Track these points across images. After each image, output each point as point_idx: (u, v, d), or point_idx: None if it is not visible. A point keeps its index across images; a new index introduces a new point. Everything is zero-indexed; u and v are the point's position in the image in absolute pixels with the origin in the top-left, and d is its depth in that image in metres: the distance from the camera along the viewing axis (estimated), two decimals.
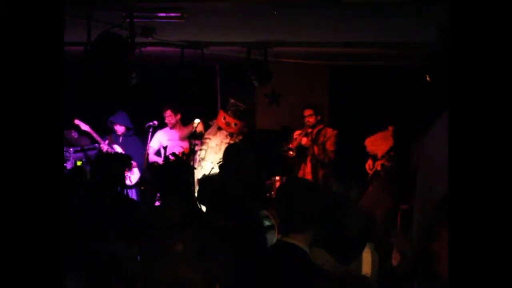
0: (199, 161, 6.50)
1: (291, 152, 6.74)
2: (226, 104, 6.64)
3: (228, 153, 5.01)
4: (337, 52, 6.63)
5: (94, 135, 6.85)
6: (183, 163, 5.38)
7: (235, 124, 6.51)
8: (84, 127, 6.83)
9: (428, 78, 5.63)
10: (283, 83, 7.99)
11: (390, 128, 6.61)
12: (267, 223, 5.74)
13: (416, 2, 4.14)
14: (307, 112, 6.76)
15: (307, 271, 2.37)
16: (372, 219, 5.67)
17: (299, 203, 2.44)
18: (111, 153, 6.51)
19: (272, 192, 6.41)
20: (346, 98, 8.00)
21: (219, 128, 6.63)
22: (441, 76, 5.31)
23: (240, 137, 6.59)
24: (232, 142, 6.47)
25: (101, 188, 4.10)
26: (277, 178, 6.59)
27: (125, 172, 4.38)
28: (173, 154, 5.99)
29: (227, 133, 6.56)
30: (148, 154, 6.82)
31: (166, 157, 6.27)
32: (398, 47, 6.13)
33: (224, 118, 6.55)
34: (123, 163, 4.32)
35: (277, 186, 6.45)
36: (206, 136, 6.66)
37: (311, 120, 6.73)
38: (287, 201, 2.48)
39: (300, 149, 6.72)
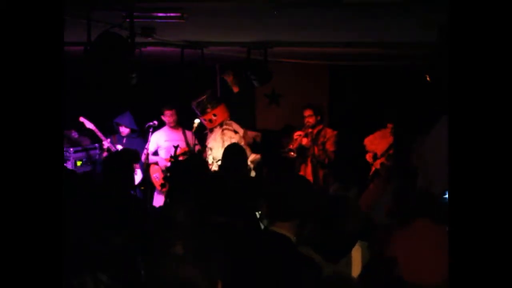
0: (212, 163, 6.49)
1: (292, 153, 6.73)
2: (194, 111, 6.69)
3: (228, 152, 5.00)
4: (337, 52, 6.63)
5: (98, 133, 6.85)
6: (202, 161, 5.37)
7: (214, 115, 6.55)
8: (89, 125, 6.83)
9: (428, 78, 5.62)
10: (283, 83, 7.98)
11: (389, 125, 6.60)
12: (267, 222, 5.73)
13: (416, 2, 4.14)
14: (307, 112, 6.76)
15: (293, 259, 2.46)
16: (370, 218, 5.65)
17: (288, 193, 2.52)
18: (119, 150, 6.52)
19: None
20: (346, 98, 7.99)
21: (211, 130, 6.67)
22: (441, 76, 5.31)
23: (228, 120, 6.57)
24: (226, 131, 6.48)
25: (113, 187, 4.07)
26: None
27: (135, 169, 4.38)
28: (185, 153, 5.98)
29: (218, 127, 6.59)
30: (148, 154, 6.81)
31: (176, 157, 6.27)
32: (398, 47, 6.13)
33: (205, 120, 6.61)
34: (132, 158, 4.31)
35: None
36: (206, 144, 6.69)
37: (311, 120, 6.73)
38: (278, 191, 2.56)
39: (301, 149, 6.71)
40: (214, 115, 6.57)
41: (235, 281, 2.39)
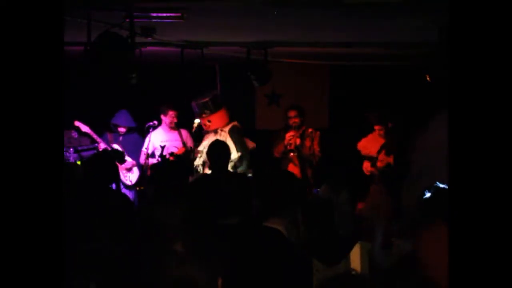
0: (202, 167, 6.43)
1: (292, 154, 6.72)
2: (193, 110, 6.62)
3: (212, 151, 4.99)
4: (337, 52, 6.64)
5: (94, 136, 6.83)
6: (183, 162, 5.35)
7: (209, 121, 6.46)
8: (84, 128, 6.81)
9: (428, 78, 5.63)
10: (283, 83, 7.99)
11: (377, 128, 6.60)
12: None
13: (416, 2, 4.15)
14: (293, 113, 6.72)
15: (288, 252, 2.58)
16: (359, 220, 5.63)
17: (279, 189, 2.66)
18: (102, 151, 6.50)
19: None
20: (346, 98, 7.99)
21: (206, 132, 6.61)
22: (441, 76, 5.31)
23: (228, 128, 6.46)
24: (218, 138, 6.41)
25: (95, 185, 4.06)
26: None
27: (122, 170, 4.36)
28: (172, 153, 5.96)
29: (212, 133, 6.51)
30: (148, 155, 6.79)
31: (162, 156, 6.25)
32: (398, 47, 6.13)
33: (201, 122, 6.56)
34: (115, 158, 4.29)
35: None
36: (200, 144, 6.63)
37: (297, 120, 6.70)
38: (268, 187, 2.69)
39: (297, 149, 6.70)
40: (209, 121, 6.46)
41: (234, 277, 2.45)
